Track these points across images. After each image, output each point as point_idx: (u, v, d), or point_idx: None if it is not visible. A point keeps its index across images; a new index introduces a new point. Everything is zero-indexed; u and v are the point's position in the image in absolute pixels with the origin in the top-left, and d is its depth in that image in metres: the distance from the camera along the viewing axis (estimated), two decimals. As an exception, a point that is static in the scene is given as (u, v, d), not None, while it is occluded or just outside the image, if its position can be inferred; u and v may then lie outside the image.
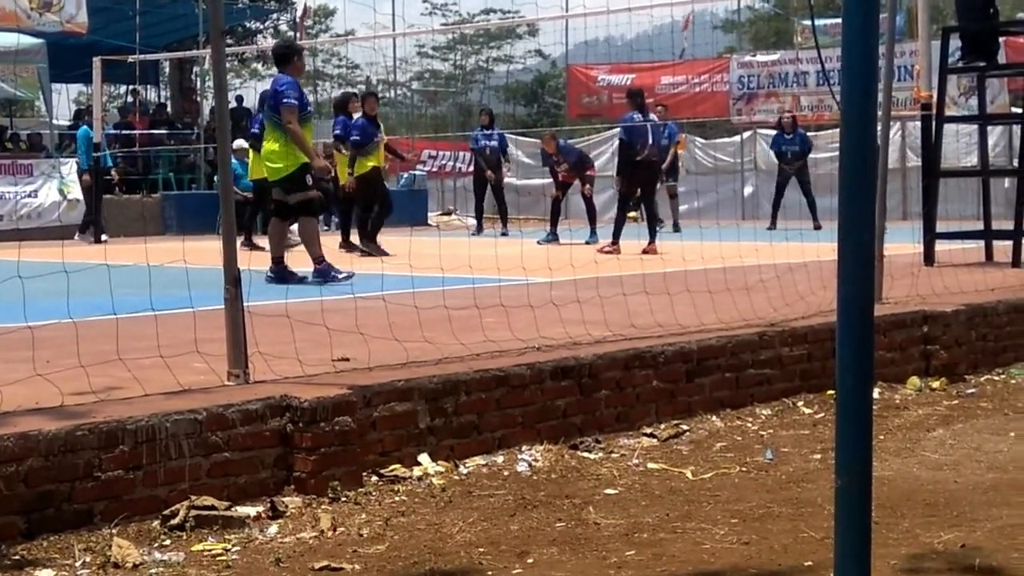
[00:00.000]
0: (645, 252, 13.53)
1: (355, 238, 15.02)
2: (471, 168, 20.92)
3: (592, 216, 17.17)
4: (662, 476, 4.96)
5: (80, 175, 19.45)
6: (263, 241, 13.89)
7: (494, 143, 20.39)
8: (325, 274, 9.97)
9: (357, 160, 14.63)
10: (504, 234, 18.69)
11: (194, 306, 5.80)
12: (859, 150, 2.29)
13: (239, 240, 13.89)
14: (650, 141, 14.41)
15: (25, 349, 5.16)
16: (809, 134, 25.94)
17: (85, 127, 19.71)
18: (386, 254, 13.49)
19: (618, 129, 15.50)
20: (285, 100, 9.95)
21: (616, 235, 14.42)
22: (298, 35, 31.97)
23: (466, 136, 28.93)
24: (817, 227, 19.93)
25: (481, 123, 21.07)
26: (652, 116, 15.01)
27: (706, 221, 15.55)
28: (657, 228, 14.73)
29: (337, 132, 15.41)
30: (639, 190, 14.94)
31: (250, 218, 16.23)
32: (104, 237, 18.49)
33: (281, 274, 10.07)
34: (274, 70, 11.53)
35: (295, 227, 10.94)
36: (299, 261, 10.47)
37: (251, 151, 15.36)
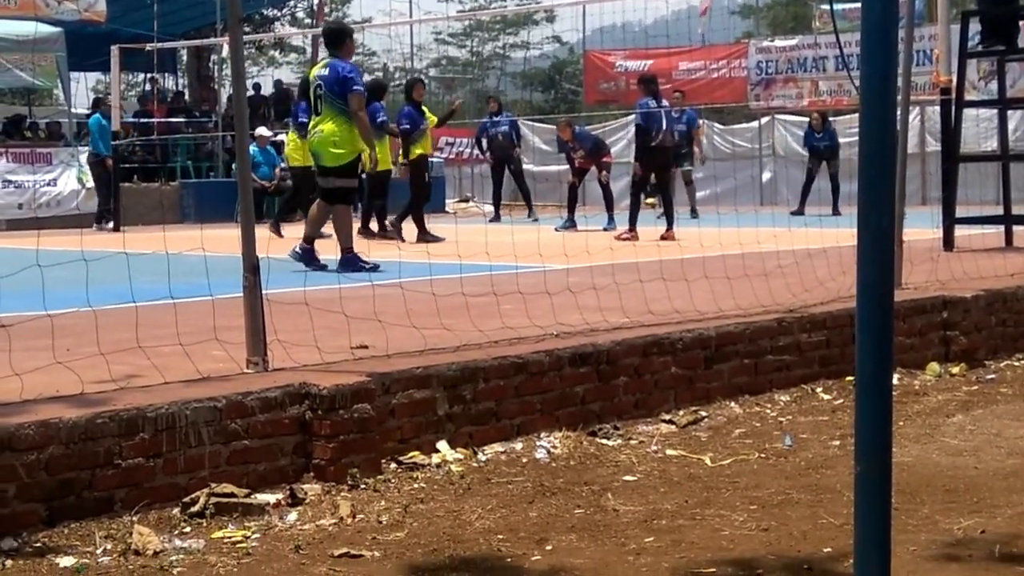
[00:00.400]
0: (663, 239, 13.55)
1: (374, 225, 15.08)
2: (488, 155, 20.90)
3: (609, 203, 17.20)
4: (680, 463, 4.96)
5: (92, 163, 19.49)
6: (288, 230, 14.02)
7: (504, 128, 20.37)
8: (353, 263, 10.00)
9: (407, 147, 14.73)
10: (535, 220, 18.71)
11: (213, 294, 5.81)
12: (879, 136, 2.28)
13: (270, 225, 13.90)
14: (664, 127, 14.44)
15: (45, 337, 5.19)
16: (829, 119, 25.86)
17: (97, 115, 19.77)
18: (400, 240, 13.61)
19: (634, 115, 15.51)
20: (356, 88, 10.10)
21: (632, 221, 14.45)
22: (316, 22, 32.00)
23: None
24: (836, 212, 19.95)
25: (490, 110, 21.07)
26: (665, 102, 15.03)
27: (724, 207, 15.55)
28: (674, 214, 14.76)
29: (382, 119, 15.35)
30: (654, 176, 14.94)
31: (288, 205, 16.10)
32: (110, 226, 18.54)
33: (308, 255, 10.14)
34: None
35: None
36: (327, 248, 10.50)
37: (295, 138, 15.00)
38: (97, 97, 20.98)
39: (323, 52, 15.54)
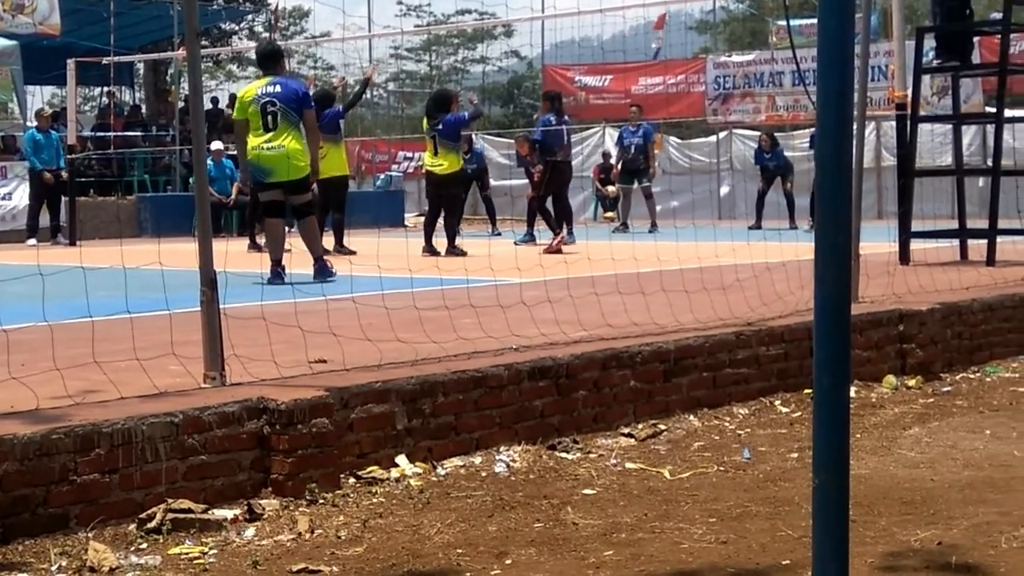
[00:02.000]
0: (548, 251, 13.92)
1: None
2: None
3: (568, 217, 17.28)
4: (640, 476, 4.96)
5: (32, 177, 19.31)
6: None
7: (473, 166, 20.47)
8: (325, 271, 10.39)
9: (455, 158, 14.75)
10: (498, 234, 18.89)
11: (170, 308, 5.78)
12: (835, 152, 2.30)
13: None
14: (564, 142, 15.53)
15: (0, 352, 5.14)
16: (784, 134, 26.07)
17: (32, 130, 19.66)
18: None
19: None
20: (313, 105, 10.65)
21: (553, 227, 15.18)
22: (272, 36, 31.93)
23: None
24: (793, 226, 20.16)
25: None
26: (566, 118, 15.82)
27: (681, 221, 15.66)
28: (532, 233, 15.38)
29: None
30: (555, 190, 15.53)
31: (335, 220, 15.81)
32: (35, 240, 18.36)
33: (280, 275, 10.27)
34: (249, 71, 11.81)
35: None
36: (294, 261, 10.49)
37: (327, 147, 14.74)
38: (38, 111, 20.76)
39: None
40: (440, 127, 14.41)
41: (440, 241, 14.34)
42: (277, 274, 10.30)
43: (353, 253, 13.84)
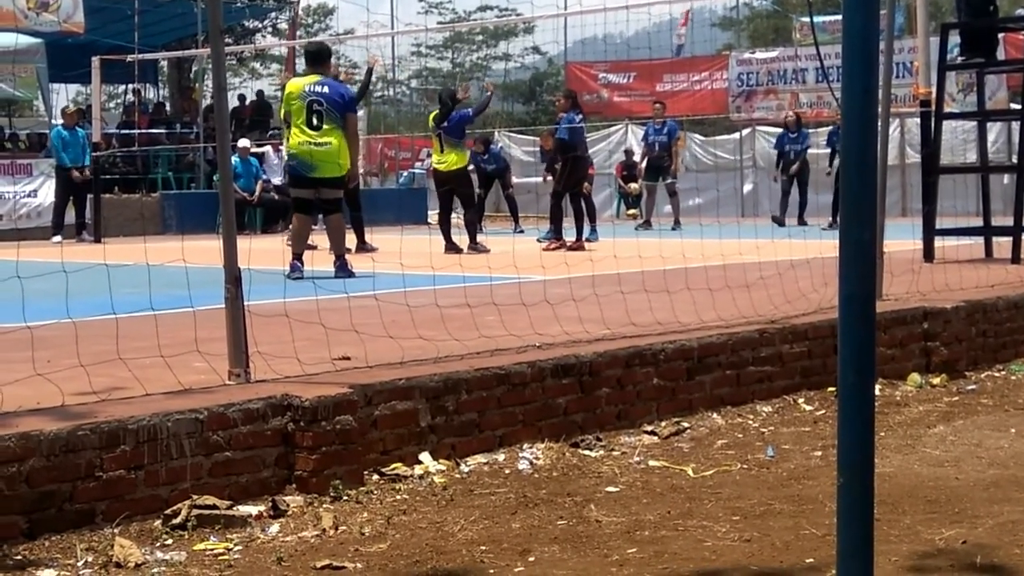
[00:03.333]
0: (572, 248, 14.22)
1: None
2: (469, 167, 21.08)
3: (592, 214, 17.32)
4: (663, 474, 4.96)
5: (58, 174, 19.37)
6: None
7: (492, 166, 20.56)
8: (345, 270, 10.65)
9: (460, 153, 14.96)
10: (520, 231, 18.99)
11: (194, 306, 5.80)
12: (860, 149, 2.29)
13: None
14: (584, 140, 15.93)
15: (25, 349, 5.16)
16: (808, 131, 25.99)
17: (58, 128, 19.72)
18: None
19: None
20: (356, 109, 11.11)
21: (558, 231, 15.08)
22: (291, 34, 31.99)
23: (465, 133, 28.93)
24: (803, 223, 20.16)
25: (476, 151, 21.19)
26: (579, 116, 15.84)
27: (706, 218, 15.63)
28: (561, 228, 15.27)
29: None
30: (574, 187, 15.51)
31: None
32: (60, 237, 18.40)
33: (299, 269, 10.45)
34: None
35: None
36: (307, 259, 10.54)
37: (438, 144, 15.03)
38: (64, 108, 20.84)
39: (300, 64, 15.51)
40: (446, 124, 14.59)
41: (462, 238, 14.38)
42: (296, 267, 10.46)
43: (375, 250, 13.90)
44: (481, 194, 21.12)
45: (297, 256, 10.58)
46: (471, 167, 16.82)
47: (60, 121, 20.40)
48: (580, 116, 15.58)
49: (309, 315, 6.11)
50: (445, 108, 14.75)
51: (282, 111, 11.25)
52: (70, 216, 19.47)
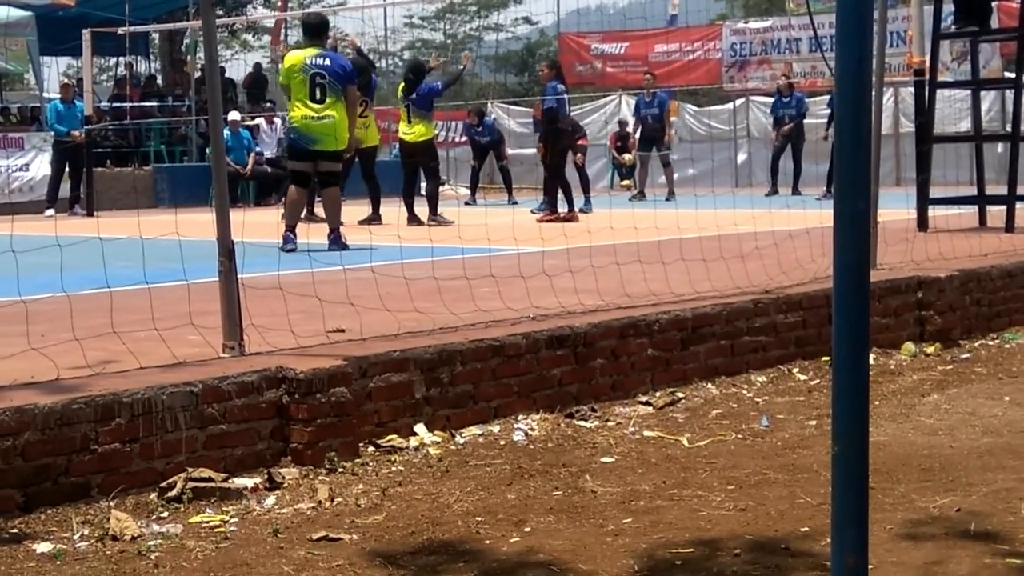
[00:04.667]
0: (566, 220, 14.30)
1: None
2: (463, 138, 21.04)
3: (585, 184, 17.31)
4: (658, 444, 4.97)
5: (55, 146, 19.28)
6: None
7: (486, 138, 20.54)
8: (339, 241, 10.63)
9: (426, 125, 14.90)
10: (514, 203, 18.98)
11: (188, 279, 5.79)
12: (854, 118, 2.28)
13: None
14: (567, 111, 15.98)
15: (19, 323, 5.16)
16: (804, 96, 25.89)
17: (55, 101, 19.62)
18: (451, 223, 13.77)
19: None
20: (355, 82, 11.04)
21: (552, 204, 15.07)
22: (282, 5, 31.85)
23: (457, 105, 28.88)
24: (796, 192, 20.14)
25: (470, 123, 21.15)
26: (562, 87, 15.87)
27: (699, 189, 15.63)
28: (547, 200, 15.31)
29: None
30: (559, 156, 15.48)
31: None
32: (53, 211, 18.30)
33: (292, 240, 10.44)
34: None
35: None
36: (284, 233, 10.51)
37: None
38: (63, 83, 20.73)
39: (293, 36, 15.49)
40: (414, 96, 14.58)
41: (422, 210, 14.39)
42: (289, 239, 10.46)
43: (380, 223, 13.97)
44: (475, 165, 21.10)
45: (290, 228, 10.59)
46: (464, 138, 16.86)
47: (54, 95, 20.29)
48: (562, 86, 15.60)
49: (304, 288, 6.11)
50: (410, 80, 14.74)
51: (281, 84, 11.24)
52: (65, 190, 19.41)
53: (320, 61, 10.67)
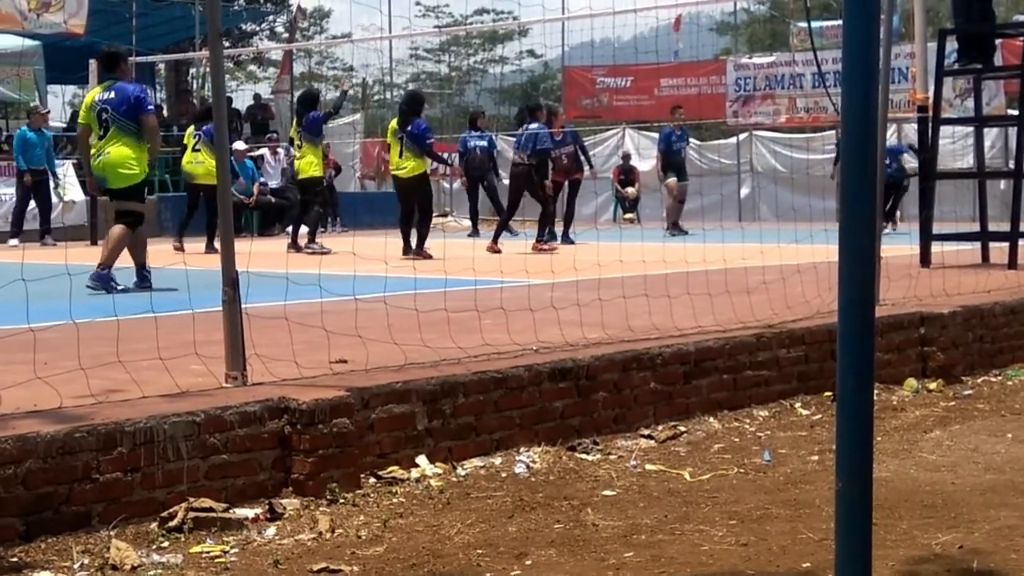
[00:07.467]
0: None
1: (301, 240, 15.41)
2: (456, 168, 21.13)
3: (550, 218, 17.37)
4: (660, 477, 4.96)
5: (20, 176, 19.11)
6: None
7: (483, 143, 20.45)
8: (104, 280, 9.58)
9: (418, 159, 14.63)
10: (516, 234, 18.81)
11: (192, 308, 5.80)
12: (860, 155, 2.30)
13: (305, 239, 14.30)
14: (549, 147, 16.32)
15: (24, 351, 5.17)
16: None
17: (23, 129, 19.46)
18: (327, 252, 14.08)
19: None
20: (148, 108, 10.23)
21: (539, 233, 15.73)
22: (291, 37, 32.02)
23: (455, 138, 28.96)
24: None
25: (468, 133, 21.13)
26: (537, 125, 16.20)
27: (702, 223, 15.64)
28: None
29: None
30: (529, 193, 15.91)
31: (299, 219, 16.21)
32: (17, 241, 18.14)
33: (105, 280, 9.60)
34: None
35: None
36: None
37: (310, 151, 15.48)
38: (32, 108, 20.46)
39: (299, 68, 15.60)
40: (409, 130, 14.37)
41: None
42: (143, 277, 9.76)
43: (327, 252, 14.23)
44: (468, 187, 20.89)
45: (141, 266, 9.85)
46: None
47: (63, 124, 20.18)
48: (536, 124, 15.89)
49: (310, 318, 6.11)
50: (404, 112, 14.70)
51: (79, 123, 10.48)
52: (69, 218, 19.33)
53: (105, 95, 10.03)
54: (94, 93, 10.30)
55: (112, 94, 10.01)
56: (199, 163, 15.62)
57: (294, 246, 15.15)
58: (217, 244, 15.08)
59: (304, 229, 15.65)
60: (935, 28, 17.16)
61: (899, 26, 24.17)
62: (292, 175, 16.95)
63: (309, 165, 15.41)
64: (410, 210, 14.69)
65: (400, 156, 14.48)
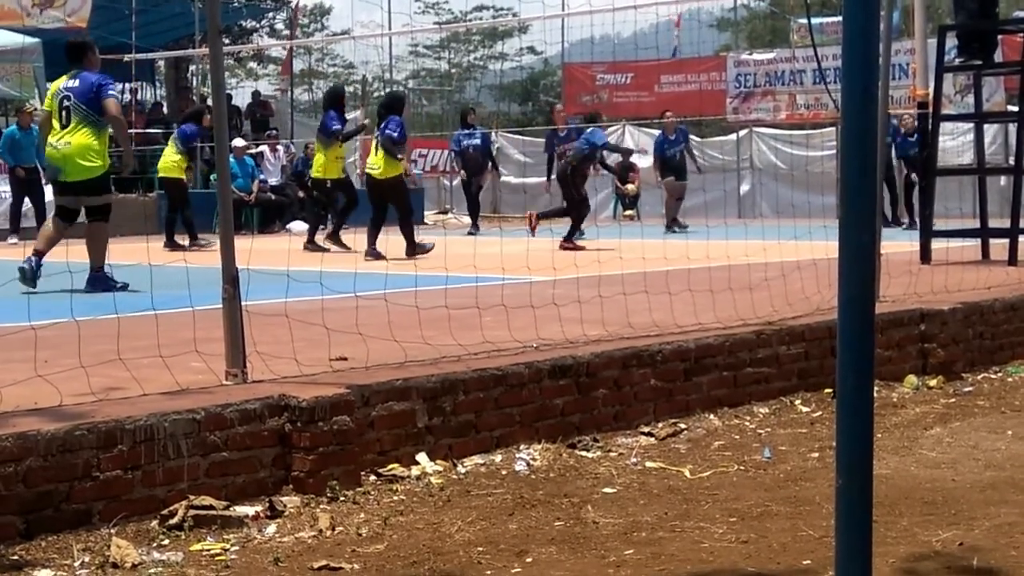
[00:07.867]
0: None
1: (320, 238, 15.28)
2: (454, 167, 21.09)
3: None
4: (660, 475, 4.96)
5: (11, 175, 19.07)
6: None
7: (476, 141, 20.33)
8: (103, 282, 9.37)
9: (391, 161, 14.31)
10: (472, 233, 18.79)
11: (193, 305, 5.80)
12: (860, 151, 2.29)
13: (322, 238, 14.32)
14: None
15: (24, 349, 5.17)
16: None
17: (12, 127, 19.42)
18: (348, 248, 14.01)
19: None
20: (111, 92, 9.86)
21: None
22: (291, 34, 32.01)
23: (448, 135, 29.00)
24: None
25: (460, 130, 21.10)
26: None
27: (701, 219, 15.66)
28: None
29: (336, 127, 15.35)
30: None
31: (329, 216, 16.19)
32: (16, 239, 17.98)
33: (32, 273, 9.15)
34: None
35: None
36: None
37: (321, 149, 15.45)
38: (20, 106, 20.37)
39: (299, 64, 15.58)
40: (385, 129, 14.19)
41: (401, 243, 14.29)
42: (30, 261, 9.32)
43: (327, 250, 14.17)
44: (466, 182, 20.79)
45: (38, 253, 9.42)
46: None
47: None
48: (471, 130, 16.35)
49: (310, 315, 6.11)
50: (381, 114, 14.62)
51: (43, 109, 10.35)
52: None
53: (70, 84, 9.81)
54: (59, 82, 10.08)
55: (76, 82, 9.82)
56: (373, 167, 15.09)
57: (311, 244, 15.05)
58: (179, 239, 15.08)
59: (330, 227, 15.51)
60: (935, 24, 17.18)
61: (899, 22, 24.17)
62: (292, 172, 16.91)
63: (317, 165, 15.38)
64: (381, 212, 14.20)
65: (375, 153, 14.28)
